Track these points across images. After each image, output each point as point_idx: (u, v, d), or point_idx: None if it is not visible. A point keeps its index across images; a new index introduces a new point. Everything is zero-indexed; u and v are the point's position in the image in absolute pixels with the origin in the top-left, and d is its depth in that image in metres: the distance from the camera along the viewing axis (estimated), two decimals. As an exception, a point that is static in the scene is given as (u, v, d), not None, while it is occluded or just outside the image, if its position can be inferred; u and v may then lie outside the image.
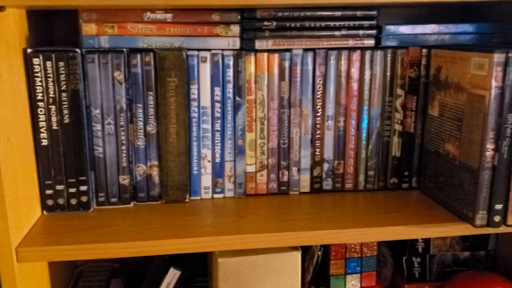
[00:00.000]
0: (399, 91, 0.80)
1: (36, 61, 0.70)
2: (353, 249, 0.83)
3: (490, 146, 0.67)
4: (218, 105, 0.77)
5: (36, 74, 0.70)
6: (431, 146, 0.79)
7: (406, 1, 0.64)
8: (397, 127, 0.81)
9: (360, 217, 0.72)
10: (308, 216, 0.73)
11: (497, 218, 0.69)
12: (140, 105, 0.75)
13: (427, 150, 0.80)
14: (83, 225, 0.70)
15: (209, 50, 0.75)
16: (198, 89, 0.76)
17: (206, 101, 0.77)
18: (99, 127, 0.74)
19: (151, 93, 0.74)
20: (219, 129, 0.78)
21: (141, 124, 0.75)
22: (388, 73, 0.79)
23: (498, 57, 0.64)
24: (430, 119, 0.79)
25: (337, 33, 0.77)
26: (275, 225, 0.70)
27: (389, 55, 0.79)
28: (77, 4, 0.60)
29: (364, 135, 0.81)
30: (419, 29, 0.79)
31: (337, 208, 0.76)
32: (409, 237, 0.70)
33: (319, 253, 0.82)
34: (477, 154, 0.68)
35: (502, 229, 0.70)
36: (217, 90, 0.77)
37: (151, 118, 0.75)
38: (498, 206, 0.69)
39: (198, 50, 0.75)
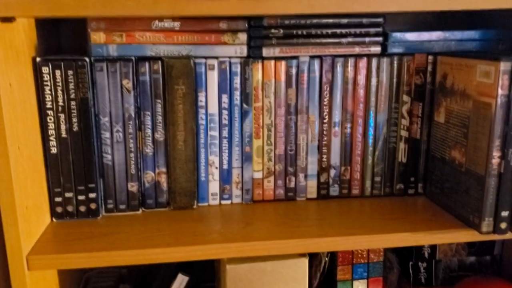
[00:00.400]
0: (405, 98, 0.81)
1: (45, 69, 0.70)
2: (360, 255, 0.84)
3: (496, 153, 0.67)
4: (225, 112, 0.78)
5: (45, 83, 0.70)
6: (437, 152, 0.80)
7: (411, 10, 0.65)
8: (403, 133, 0.82)
9: (366, 224, 0.73)
10: (315, 222, 0.73)
11: (503, 225, 0.70)
12: (148, 113, 0.75)
13: (433, 156, 0.81)
14: (92, 232, 0.71)
15: (216, 57, 0.76)
16: (206, 96, 0.77)
17: (213, 108, 0.77)
18: (107, 134, 0.75)
19: (159, 100, 0.75)
20: (226, 136, 0.79)
21: (149, 131, 0.76)
22: (394, 80, 0.80)
23: (504, 65, 0.65)
24: (436, 125, 0.80)
25: (343, 40, 0.78)
26: (283, 232, 0.70)
27: (395, 62, 0.79)
28: (85, 14, 0.60)
29: (370, 141, 0.82)
30: (425, 36, 0.79)
31: (343, 214, 0.77)
32: (415, 244, 0.71)
33: (326, 259, 0.83)
34: (483, 161, 0.69)
35: (508, 236, 0.71)
36: (225, 97, 0.77)
37: (159, 126, 0.76)
38: (505, 213, 0.69)
39: (206, 58, 0.76)
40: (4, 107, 0.60)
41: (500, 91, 0.66)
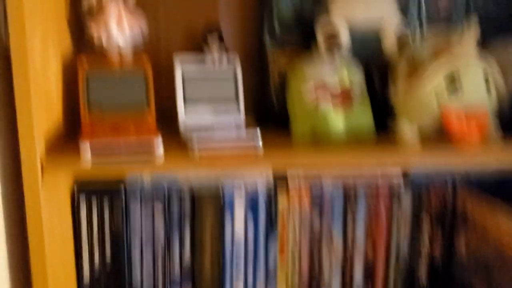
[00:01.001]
0: (426, 223, 0.82)
1: (81, 200, 0.74)
2: None
3: (517, 296, 0.69)
4: (251, 234, 0.81)
5: (81, 213, 0.74)
6: (458, 279, 0.81)
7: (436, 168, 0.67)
8: (425, 257, 0.83)
9: None
10: None
11: None
12: (176, 237, 0.78)
13: (455, 282, 0.82)
14: None
15: (243, 181, 0.79)
16: (232, 219, 0.80)
17: (239, 231, 0.80)
18: (137, 257, 0.78)
19: (187, 225, 0.78)
20: (251, 257, 0.81)
21: (177, 254, 0.79)
22: (416, 207, 0.82)
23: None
24: (457, 254, 0.81)
25: (366, 169, 0.80)
26: None
27: (416, 190, 0.81)
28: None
29: (392, 263, 0.83)
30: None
31: None
32: None
33: None
34: (504, 301, 0.70)
35: None
36: (250, 220, 0.80)
37: (187, 249, 0.79)
38: None
39: (233, 182, 0.79)
40: (47, 246, 0.63)
41: (521, 239, 0.67)
